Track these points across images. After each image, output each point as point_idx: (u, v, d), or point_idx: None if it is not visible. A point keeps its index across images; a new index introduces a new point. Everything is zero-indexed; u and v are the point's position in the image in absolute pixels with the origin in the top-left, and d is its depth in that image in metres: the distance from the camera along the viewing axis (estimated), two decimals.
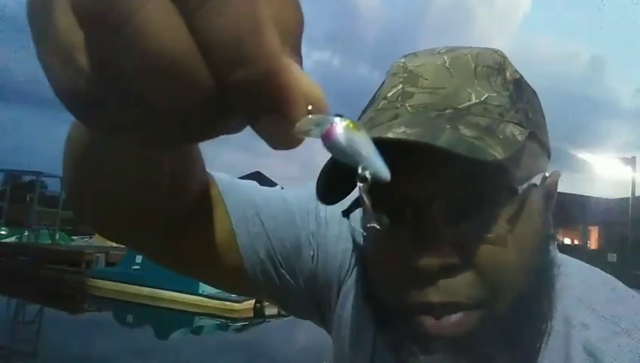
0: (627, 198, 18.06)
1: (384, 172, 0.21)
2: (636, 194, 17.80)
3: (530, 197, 0.44)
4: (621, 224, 18.94)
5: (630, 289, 0.51)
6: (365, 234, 0.48)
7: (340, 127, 0.20)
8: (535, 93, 0.49)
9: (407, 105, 0.44)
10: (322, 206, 0.57)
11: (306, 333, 7.15)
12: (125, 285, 11.79)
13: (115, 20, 0.17)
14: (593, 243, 25.96)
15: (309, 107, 0.19)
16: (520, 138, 0.41)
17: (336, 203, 0.47)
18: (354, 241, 0.57)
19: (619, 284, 0.51)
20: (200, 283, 7.60)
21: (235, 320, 10.12)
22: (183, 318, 10.41)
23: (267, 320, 10.05)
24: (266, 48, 0.18)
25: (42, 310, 10.53)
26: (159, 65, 0.17)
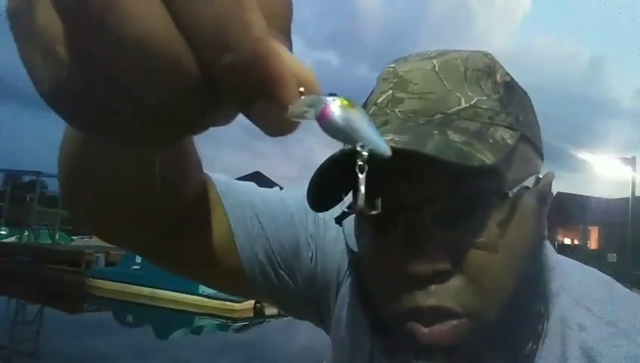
0: (627, 198, 18.02)
1: (384, 148, 0.21)
2: (636, 194, 17.76)
3: (522, 200, 0.44)
4: (621, 224, 18.90)
5: (628, 289, 0.51)
6: (358, 239, 0.48)
7: (334, 106, 0.19)
8: (527, 94, 0.49)
9: (397, 111, 0.44)
10: None
11: (306, 333, 7.14)
12: (125, 285, 11.81)
13: (97, 8, 0.16)
14: (593, 243, 25.97)
15: (301, 89, 0.19)
16: (510, 142, 0.41)
17: (327, 210, 0.47)
18: (347, 247, 0.57)
19: (617, 285, 0.51)
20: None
21: (235, 320, 10.13)
22: (183, 318, 10.42)
23: (267, 320, 10.04)
24: (251, 32, 0.17)
25: (42, 310, 10.55)
26: (143, 53, 0.17)
